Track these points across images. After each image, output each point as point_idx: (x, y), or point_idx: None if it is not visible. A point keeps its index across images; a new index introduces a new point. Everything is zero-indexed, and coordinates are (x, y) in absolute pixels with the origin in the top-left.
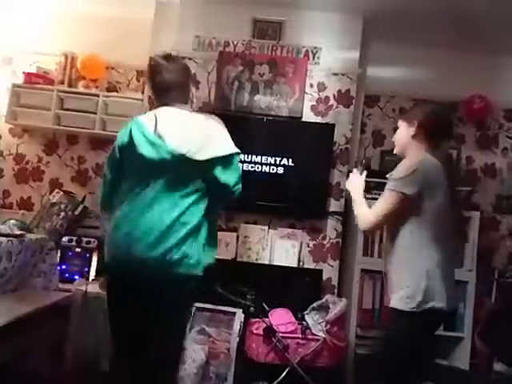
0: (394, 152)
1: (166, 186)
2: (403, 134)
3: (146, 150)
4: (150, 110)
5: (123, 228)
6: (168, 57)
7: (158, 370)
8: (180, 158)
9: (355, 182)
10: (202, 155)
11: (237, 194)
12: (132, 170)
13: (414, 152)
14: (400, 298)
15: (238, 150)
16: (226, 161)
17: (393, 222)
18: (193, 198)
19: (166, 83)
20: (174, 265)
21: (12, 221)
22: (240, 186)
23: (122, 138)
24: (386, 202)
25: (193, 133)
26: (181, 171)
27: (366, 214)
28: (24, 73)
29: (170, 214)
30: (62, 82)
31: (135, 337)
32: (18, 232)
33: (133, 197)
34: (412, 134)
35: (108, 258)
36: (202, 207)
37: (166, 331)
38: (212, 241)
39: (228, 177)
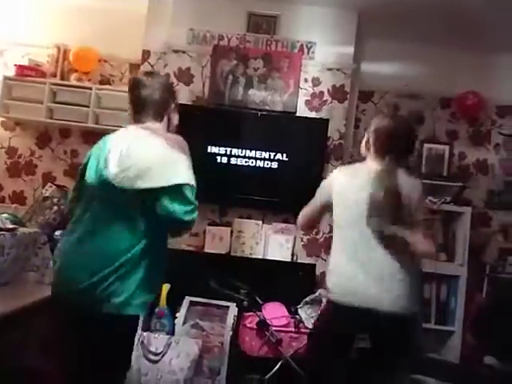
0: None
1: (103, 215)
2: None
3: (90, 171)
4: None
5: (63, 255)
6: (149, 73)
7: None
8: (117, 186)
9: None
10: (139, 184)
11: (188, 225)
12: (81, 193)
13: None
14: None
15: (188, 182)
16: (172, 191)
17: None
18: (130, 230)
19: (139, 99)
20: (100, 302)
21: (4, 215)
22: (189, 215)
23: (87, 156)
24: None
25: (141, 158)
26: (119, 199)
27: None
28: (16, 65)
29: (103, 246)
30: (55, 75)
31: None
32: (11, 226)
33: (76, 222)
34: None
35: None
36: (140, 241)
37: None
38: (154, 278)
39: (173, 206)
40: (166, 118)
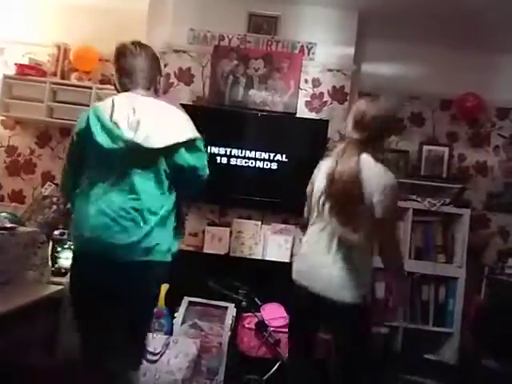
0: None
1: (130, 175)
2: None
3: (101, 137)
4: None
5: (92, 216)
6: (135, 42)
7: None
8: (137, 147)
9: None
10: (160, 142)
11: (203, 178)
12: (93, 158)
13: None
14: None
15: (199, 135)
16: (188, 145)
17: None
18: (159, 185)
19: (129, 67)
20: (145, 252)
21: (3, 214)
22: (207, 170)
23: (79, 124)
24: None
25: (151, 119)
26: (141, 159)
27: None
28: (16, 64)
29: (138, 202)
30: (55, 74)
31: (103, 317)
32: (10, 225)
33: (98, 185)
34: None
35: (78, 242)
36: (169, 195)
37: (135, 312)
38: (180, 228)
39: (193, 160)
40: (152, 89)
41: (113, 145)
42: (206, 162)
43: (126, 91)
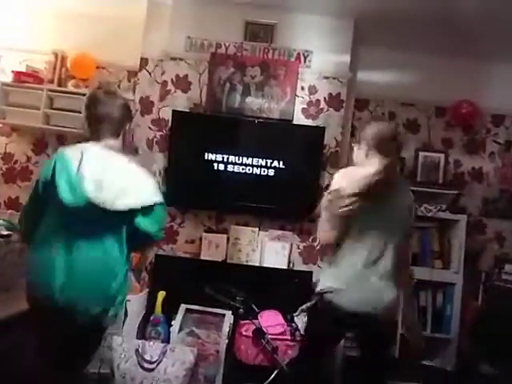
0: None
1: (89, 233)
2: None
3: (65, 192)
4: (141, 110)
5: (57, 270)
6: (107, 91)
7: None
8: (97, 207)
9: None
10: (120, 205)
11: (157, 240)
12: (55, 209)
13: None
14: None
15: (160, 200)
16: (146, 210)
17: None
18: (116, 246)
19: (99, 115)
20: (95, 318)
21: None
22: (161, 235)
23: (45, 173)
24: None
25: (114, 180)
26: (105, 219)
27: None
28: (13, 71)
29: (96, 262)
30: (52, 81)
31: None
32: (6, 232)
33: (62, 237)
34: None
35: (31, 292)
36: (124, 255)
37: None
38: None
39: (148, 225)
40: (121, 136)
41: (76, 202)
42: (160, 227)
43: (94, 138)
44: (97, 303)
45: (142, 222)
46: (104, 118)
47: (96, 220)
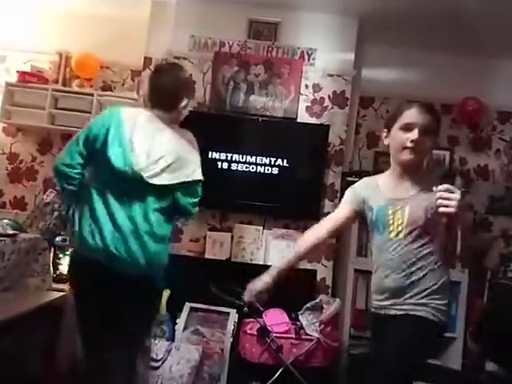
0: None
1: (140, 199)
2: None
3: (116, 158)
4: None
5: (106, 230)
6: (172, 64)
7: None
8: (142, 178)
9: None
10: (163, 180)
11: (192, 216)
12: (103, 168)
13: None
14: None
15: (200, 178)
16: (187, 186)
17: None
18: (165, 214)
19: (158, 86)
20: (149, 268)
21: (5, 220)
22: (195, 209)
23: (98, 130)
24: None
25: (160, 154)
26: (148, 189)
27: None
28: (18, 71)
29: (149, 227)
30: (57, 81)
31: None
32: (11, 232)
33: (109, 198)
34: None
35: (81, 250)
36: (168, 222)
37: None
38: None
39: (187, 201)
40: (176, 111)
41: (125, 170)
42: (196, 204)
43: (149, 107)
44: (145, 261)
45: (181, 197)
46: (160, 88)
47: (141, 187)
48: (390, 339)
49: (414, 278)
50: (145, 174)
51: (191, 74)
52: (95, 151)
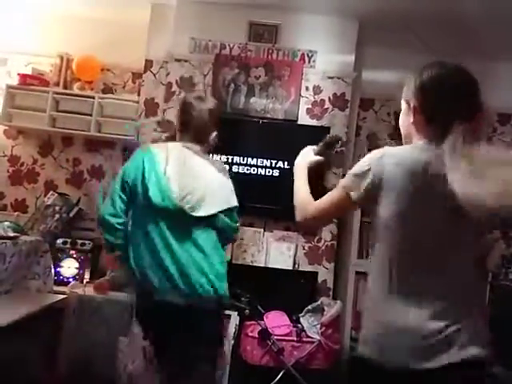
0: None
1: (188, 231)
2: (404, 118)
3: (153, 193)
4: (146, 112)
5: (167, 267)
6: (200, 97)
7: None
8: (182, 210)
9: (303, 156)
10: (201, 211)
11: (232, 239)
12: (144, 208)
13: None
14: None
15: (235, 204)
16: (226, 212)
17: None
18: (216, 242)
19: (189, 121)
20: (206, 298)
21: (6, 223)
22: (237, 232)
23: (133, 173)
24: (330, 196)
25: (196, 185)
26: (186, 220)
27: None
28: (19, 74)
29: (205, 259)
30: (57, 84)
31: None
32: (12, 234)
33: (161, 233)
34: (411, 120)
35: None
36: (219, 249)
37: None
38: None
39: (229, 227)
40: (207, 143)
41: (162, 204)
42: (236, 228)
43: (181, 138)
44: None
45: (223, 223)
46: (190, 123)
47: (183, 220)
48: None
49: None
50: (186, 206)
51: (191, 76)
52: (134, 194)
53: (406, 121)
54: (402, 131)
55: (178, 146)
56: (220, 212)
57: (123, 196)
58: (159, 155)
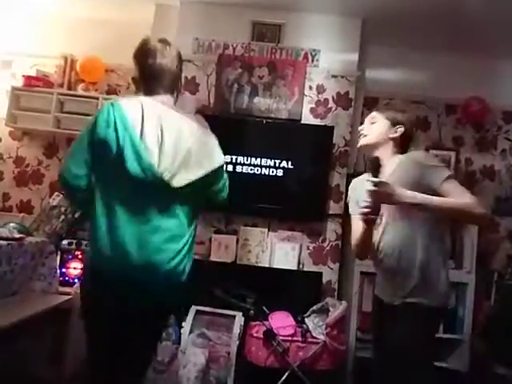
0: (364, 143)
1: (153, 202)
2: (383, 130)
3: (131, 164)
4: None
5: (125, 243)
6: (163, 40)
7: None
8: (166, 184)
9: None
10: (189, 178)
11: (223, 198)
12: (113, 171)
13: (389, 153)
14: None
15: (224, 160)
16: (214, 172)
17: None
18: (187, 218)
19: (157, 68)
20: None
21: (12, 224)
22: (226, 191)
23: (103, 130)
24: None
25: (184, 148)
26: (168, 192)
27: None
28: (24, 76)
29: (169, 238)
30: (62, 85)
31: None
32: (18, 235)
33: (121, 206)
34: (393, 137)
35: (98, 261)
36: (190, 221)
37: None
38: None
39: (216, 187)
40: (176, 92)
41: (143, 175)
42: (226, 185)
43: (149, 93)
44: (164, 272)
45: (210, 186)
46: (162, 71)
47: (161, 191)
48: None
49: None
50: (167, 176)
51: (195, 76)
52: (103, 155)
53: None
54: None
55: (150, 100)
56: (205, 175)
57: (88, 156)
58: (132, 113)
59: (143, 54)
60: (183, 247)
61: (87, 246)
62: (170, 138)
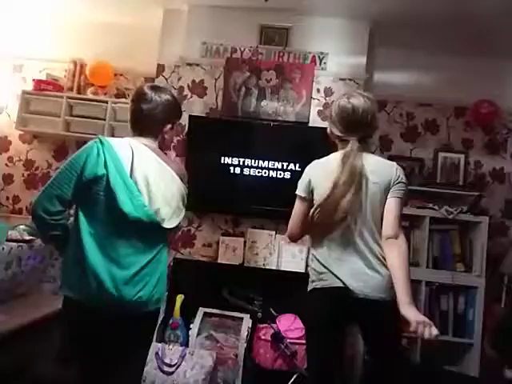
0: None
1: (138, 238)
2: None
3: (124, 203)
4: None
5: (104, 276)
6: (155, 87)
7: None
8: (156, 223)
9: None
10: (170, 223)
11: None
12: (101, 209)
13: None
14: None
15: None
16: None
17: None
18: (162, 248)
19: (141, 113)
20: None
21: (22, 226)
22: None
23: (93, 168)
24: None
25: (168, 194)
26: (152, 230)
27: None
28: (34, 80)
29: (140, 263)
30: (71, 89)
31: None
32: (28, 237)
33: (102, 239)
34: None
35: (76, 291)
36: (166, 254)
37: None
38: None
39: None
40: (160, 136)
41: (135, 214)
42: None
43: (134, 135)
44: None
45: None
46: (142, 115)
47: (149, 230)
48: None
49: None
50: (158, 218)
51: (203, 80)
52: (91, 193)
53: None
54: None
55: (136, 142)
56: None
57: (68, 192)
58: (122, 152)
59: (133, 97)
60: (159, 279)
61: None
62: (155, 181)
